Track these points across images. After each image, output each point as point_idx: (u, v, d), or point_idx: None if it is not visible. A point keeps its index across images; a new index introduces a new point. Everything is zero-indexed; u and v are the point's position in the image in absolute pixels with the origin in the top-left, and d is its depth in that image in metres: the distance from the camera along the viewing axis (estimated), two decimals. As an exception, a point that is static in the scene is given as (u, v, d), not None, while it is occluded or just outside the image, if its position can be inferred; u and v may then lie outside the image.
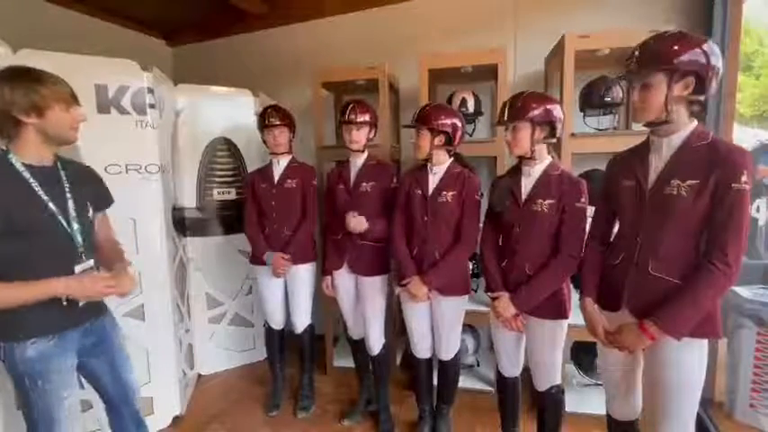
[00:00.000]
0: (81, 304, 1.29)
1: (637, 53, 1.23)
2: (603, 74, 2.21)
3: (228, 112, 2.74)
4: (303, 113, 2.74)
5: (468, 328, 2.57)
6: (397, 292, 1.97)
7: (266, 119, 2.20)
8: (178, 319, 2.40)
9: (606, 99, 2.08)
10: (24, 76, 1.18)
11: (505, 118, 1.58)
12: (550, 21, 2.50)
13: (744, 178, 1.12)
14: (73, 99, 1.27)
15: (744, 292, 2.18)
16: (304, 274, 2.29)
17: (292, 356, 2.51)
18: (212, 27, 3.45)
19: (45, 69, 1.24)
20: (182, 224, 2.62)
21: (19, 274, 1.17)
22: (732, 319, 2.17)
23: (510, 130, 1.59)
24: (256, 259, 2.29)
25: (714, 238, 1.17)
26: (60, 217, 1.24)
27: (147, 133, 2.08)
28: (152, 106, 2.09)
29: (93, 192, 1.41)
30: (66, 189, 1.28)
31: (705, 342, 1.25)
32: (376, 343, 2.18)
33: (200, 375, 2.79)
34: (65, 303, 1.24)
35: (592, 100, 2.13)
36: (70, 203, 1.28)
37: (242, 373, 2.85)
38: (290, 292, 2.33)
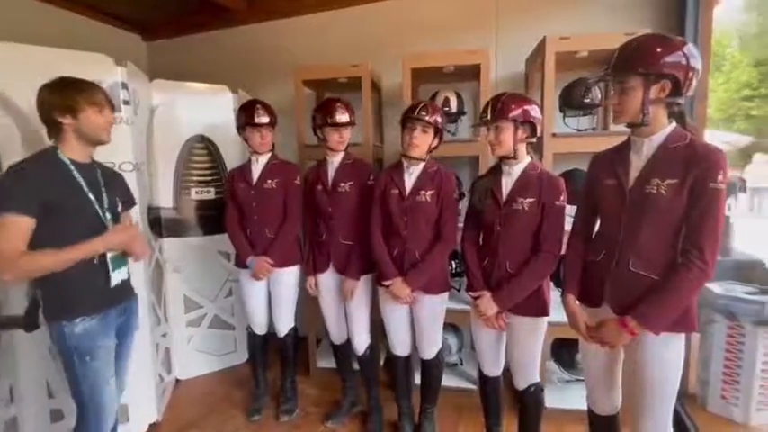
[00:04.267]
0: (114, 284, 1.48)
1: (615, 56, 1.26)
2: (583, 75, 2.26)
3: (206, 109, 2.67)
4: (283, 111, 2.70)
5: (451, 327, 2.58)
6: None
7: (254, 116, 2.11)
8: (154, 323, 2.33)
9: (585, 100, 2.12)
10: (63, 84, 1.37)
11: (488, 118, 1.59)
12: (531, 23, 2.54)
13: (720, 177, 1.15)
14: (106, 103, 1.45)
15: (715, 287, 2.26)
16: (288, 277, 2.24)
17: (275, 359, 2.46)
18: (190, 22, 3.35)
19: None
20: (158, 224, 2.54)
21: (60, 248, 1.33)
22: (704, 313, 2.25)
23: (492, 130, 1.60)
24: (239, 263, 2.24)
25: (691, 235, 1.20)
26: (97, 206, 1.43)
27: (120, 130, 1.99)
28: (126, 102, 2.01)
29: (123, 192, 1.62)
30: (102, 184, 1.47)
31: (683, 337, 1.28)
32: (361, 343, 2.16)
33: (178, 380, 2.71)
34: (96, 262, 1.42)
35: (571, 101, 2.17)
36: (105, 196, 1.47)
37: (222, 378, 2.78)
38: (274, 296, 2.28)
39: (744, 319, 2.13)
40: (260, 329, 2.35)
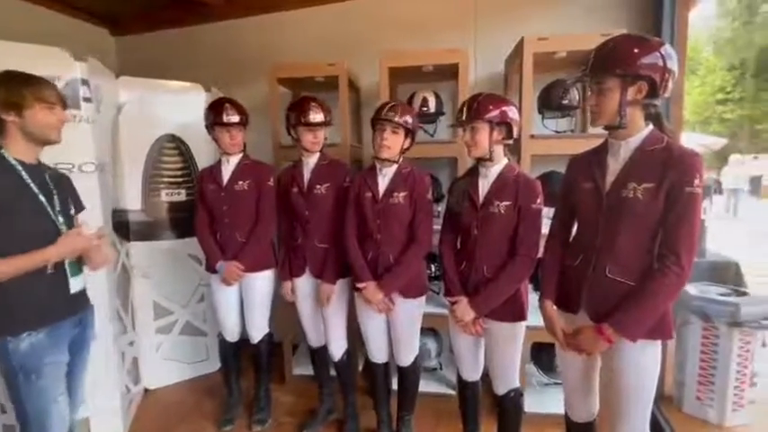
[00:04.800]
0: (72, 292, 1.40)
1: (592, 57, 1.23)
2: (561, 77, 2.24)
3: (177, 107, 2.57)
4: (259, 110, 2.61)
5: (431, 331, 2.54)
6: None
7: (223, 115, 2.02)
8: (119, 331, 2.22)
9: (564, 102, 2.11)
10: (8, 77, 1.28)
11: (464, 118, 1.55)
12: (510, 24, 2.51)
13: (696, 181, 1.13)
14: (57, 100, 1.35)
15: (690, 289, 2.27)
16: (261, 282, 2.16)
17: (249, 366, 2.37)
18: (162, 17, 3.22)
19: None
20: (125, 228, 2.43)
21: (11, 255, 1.25)
22: (680, 315, 2.26)
23: (468, 131, 1.57)
24: (209, 268, 2.15)
25: (667, 240, 1.18)
26: (49, 209, 1.35)
27: (81, 129, 1.90)
28: (87, 99, 1.91)
29: (72, 194, 1.52)
30: (51, 186, 1.39)
31: (659, 343, 1.27)
32: (338, 349, 2.10)
33: (146, 390, 2.60)
34: (50, 271, 1.33)
35: (550, 102, 2.15)
36: (56, 198, 1.38)
37: (193, 387, 2.68)
38: (246, 302, 2.19)
39: (718, 321, 2.14)
40: (232, 336, 2.26)
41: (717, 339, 2.16)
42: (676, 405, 2.33)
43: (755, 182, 13.54)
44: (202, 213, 2.15)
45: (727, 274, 2.59)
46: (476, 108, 1.53)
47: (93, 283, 1.96)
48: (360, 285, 1.81)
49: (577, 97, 2.12)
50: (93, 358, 1.95)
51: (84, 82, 1.89)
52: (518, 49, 2.14)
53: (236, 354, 2.32)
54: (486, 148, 1.56)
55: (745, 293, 2.24)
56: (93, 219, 1.95)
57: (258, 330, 2.22)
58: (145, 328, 2.57)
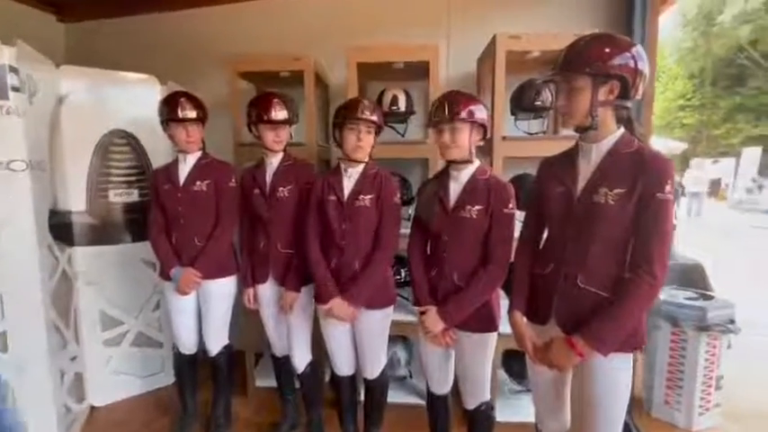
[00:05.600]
0: None
1: (562, 56, 1.17)
2: (533, 77, 2.19)
3: (129, 100, 2.37)
4: (221, 106, 2.45)
5: (400, 338, 2.44)
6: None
7: (178, 110, 1.86)
8: (58, 346, 2.01)
9: (537, 103, 2.05)
10: None
11: (447, 117, 1.45)
12: (482, 23, 2.45)
13: (668, 187, 1.09)
14: None
15: (660, 293, 2.27)
16: (220, 289, 2.00)
17: (207, 377, 2.20)
18: (116, 3, 3.00)
19: None
20: (66, 231, 2.21)
21: None
22: (650, 320, 2.25)
23: (448, 132, 1.47)
24: (163, 274, 1.98)
25: (639, 248, 1.13)
26: None
27: (9, 122, 1.70)
28: (16, 89, 1.71)
29: None
30: None
31: (631, 354, 1.21)
32: (301, 360, 1.98)
33: (93, 408, 2.38)
34: None
35: (522, 103, 2.09)
36: None
37: (146, 402, 2.48)
38: (204, 311, 2.03)
39: (686, 325, 2.15)
40: (188, 348, 2.09)
41: (684, 343, 2.17)
42: (645, 409, 2.33)
43: (715, 184, 14.26)
44: (156, 215, 1.98)
45: (694, 276, 2.62)
46: (458, 107, 1.44)
47: (23, 294, 1.79)
48: (326, 307, 1.68)
49: (550, 98, 2.08)
50: (24, 380, 1.78)
51: (13, 69, 1.68)
52: (491, 48, 2.07)
53: (193, 367, 2.15)
54: (466, 150, 1.49)
55: (711, 297, 2.26)
56: (23, 221, 1.78)
57: (217, 342, 2.06)
58: (91, 341, 2.35)
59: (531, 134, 2.25)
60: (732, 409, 2.28)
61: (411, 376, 2.52)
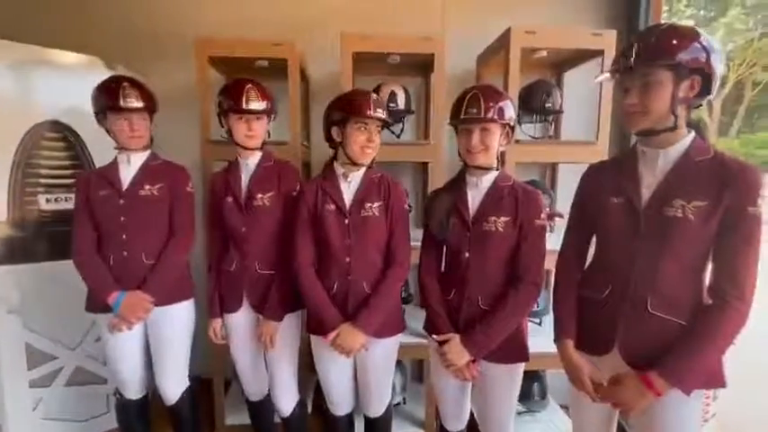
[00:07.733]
0: None
1: (636, 46, 1.00)
2: (537, 78, 2.05)
3: (66, 86, 1.94)
4: (188, 98, 2.08)
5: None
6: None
7: (118, 98, 1.50)
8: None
9: (547, 105, 1.91)
10: None
11: (481, 115, 1.24)
12: (481, 17, 2.29)
13: (759, 201, 0.95)
14: None
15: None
16: (177, 316, 1.65)
17: (164, 422, 1.82)
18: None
19: None
20: (-20, 247, 1.75)
21: None
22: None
23: (478, 133, 1.27)
24: (95, 305, 1.58)
25: (725, 269, 0.98)
26: None
27: None
28: None
29: None
30: None
31: (703, 392, 1.07)
32: (288, 402, 1.68)
33: (15, 465, 1.91)
34: None
35: (532, 105, 1.94)
36: None
37: (87, 453, 2.04)
38: (155, 347, 1.66)
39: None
40: (134, 393, 1.72)
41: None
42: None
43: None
44: (86, 230, 1.59)
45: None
46: (493, 104, 1.24)
47: None
48: (330, 336, 1.39)
49: (560, 101, 1.95)
50: None
51: None
52: (499, 44, 1.90)
53: (142, 413, 1.78)
54: (495, 155, 1.30)
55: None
56: None
57: (176, 386, 1.70)
58: (13, 382, 1.88)
59: (536, 138, 2.11)
60: (728, 420, 2.27)
61: (405, 402, 2.28)
